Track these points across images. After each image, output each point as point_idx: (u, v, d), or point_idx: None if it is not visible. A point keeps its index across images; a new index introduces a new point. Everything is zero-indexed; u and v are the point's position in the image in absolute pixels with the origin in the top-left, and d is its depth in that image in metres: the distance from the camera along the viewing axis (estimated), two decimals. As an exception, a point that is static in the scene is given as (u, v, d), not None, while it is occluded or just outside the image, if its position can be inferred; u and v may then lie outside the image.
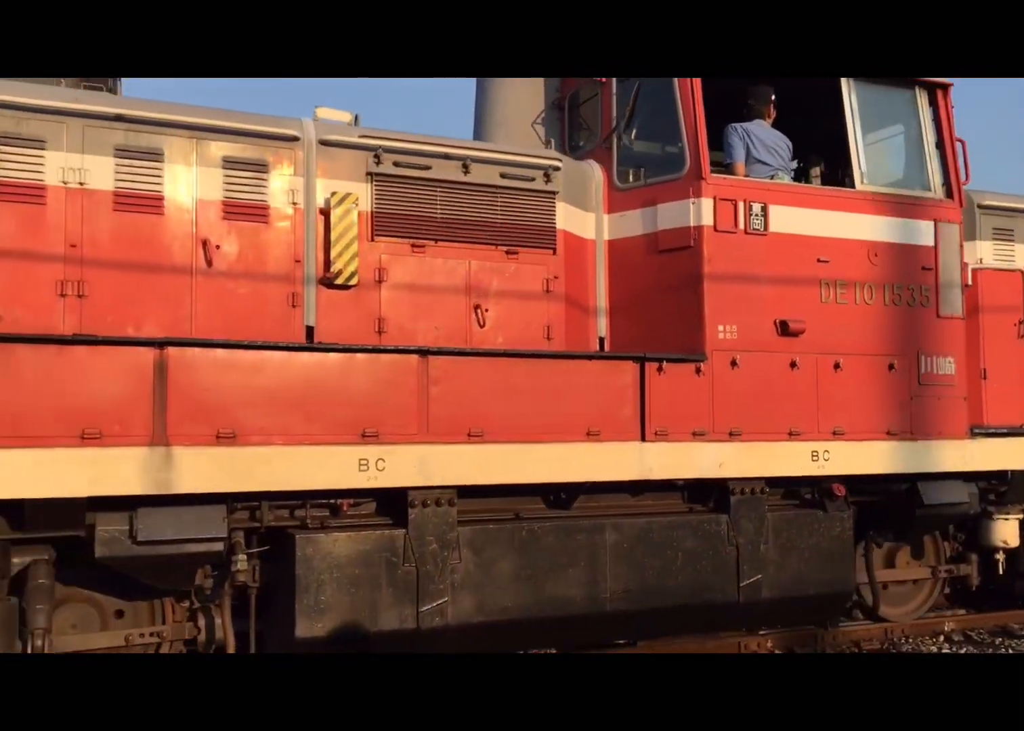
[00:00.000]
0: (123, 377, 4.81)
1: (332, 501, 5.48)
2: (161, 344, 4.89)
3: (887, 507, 7.10)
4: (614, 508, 6.25)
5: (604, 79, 6.85)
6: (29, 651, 4.81)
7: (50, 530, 4.88)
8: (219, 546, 5.06)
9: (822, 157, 7.92)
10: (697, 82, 6.36)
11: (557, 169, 6.42)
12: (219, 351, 5.02)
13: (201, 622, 5.54)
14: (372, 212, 5.89)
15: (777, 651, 7.04)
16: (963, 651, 7.29)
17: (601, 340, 6.72)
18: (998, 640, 7.56)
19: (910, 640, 7.52)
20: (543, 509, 6.11)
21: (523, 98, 7.31)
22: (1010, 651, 7.24)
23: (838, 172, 7.95)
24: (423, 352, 5.48)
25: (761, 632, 7.15)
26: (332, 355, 5.26)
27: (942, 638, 7.63)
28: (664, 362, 6.08)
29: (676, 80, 6.41)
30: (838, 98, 6.94)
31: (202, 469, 4.92)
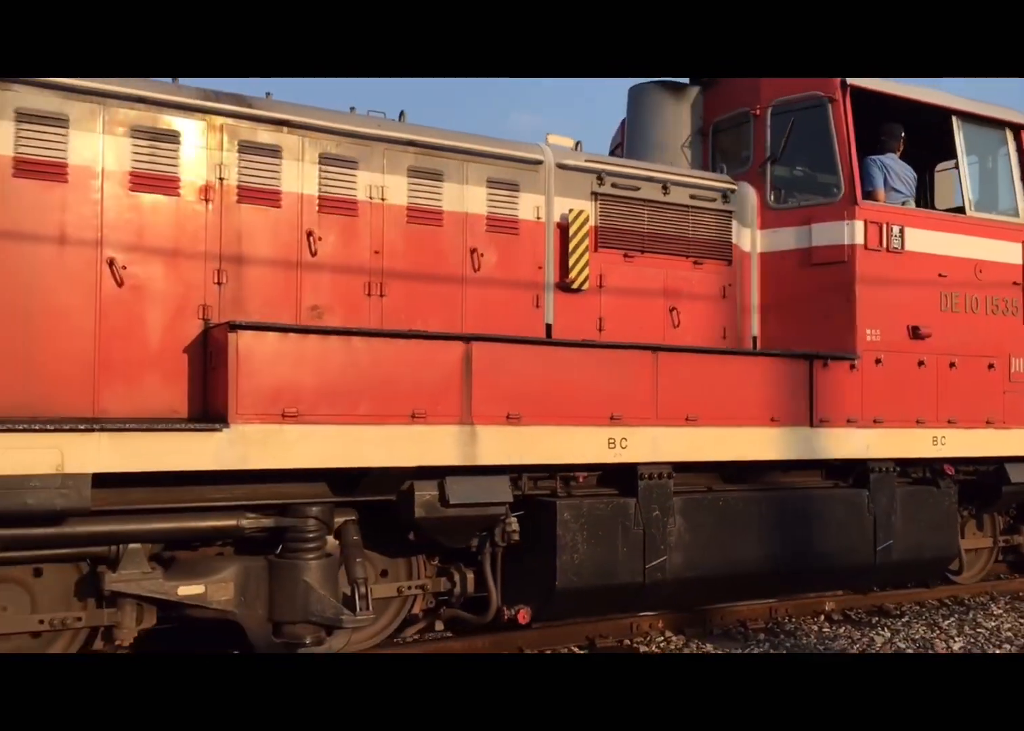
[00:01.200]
0: (440, 366, 5.71)
1: (570, 473, 6.45)
2: (467, 339, 5.81)
3: (977, 485, 8.34)
4: (773, 483, 7.34)
5: (758, 112, 7.91)
6: (356, 598, 5.68)
7: (370, 495, 5.76)
8: (503, 510, 6.00)
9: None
10: (851, 121, 7.46)
11: (733, 191, 7.47)
12: (509, 345, 5.95)
13: (455, 577, 6.45)
14: (596, 226, 6.86)
15: (668, 631, 7.15)
16: (841, 630, 7.46)
17: (754, 339, 7.80)
18: (875, 619, 7.80)
19: (792, 619, 7.67)
20: (719, 483, 7.18)
21: (673, 123, 8.31)
22: (885, 630, 7.45)
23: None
24: (655, 349, 6.48)
25: (654, 612, 7.17)
26: (592, 350, 6.24)
27: (823, 617, 7.83)
28: (828, 360, 7.19)
29: (832, 119, 7.50)
30: (949, 136, 8.13)
31: (497, 445, 5.86)
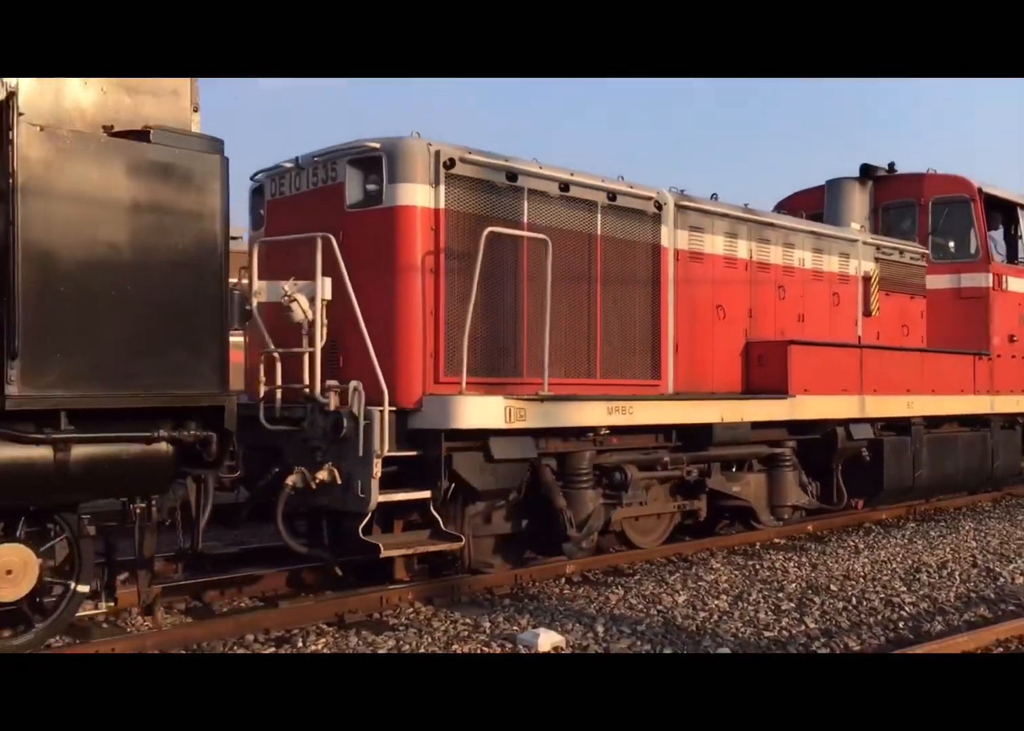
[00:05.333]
0: (850, 362, 10.34)
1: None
2: (861, 347, 10.47)
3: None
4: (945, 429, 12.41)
5: (922, 202, 12.89)
6: (808, 492, 10.22)
7: (813, 434, 10.29)
8: (865, 443, 10.69)
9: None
10: (984, 213, 12.57)
11: (927, 254, 12.45)
12: (875, 350, 10.65)
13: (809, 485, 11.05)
14: (878, 278, 11.62)
15: (417, 602, 7.23)
16: (580, 590, 7.83)
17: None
18: (610, 579, 8.26)
19: (536, 583, 7.96)
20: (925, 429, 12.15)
21: (859, 204, 13.14)
22: (619, 588, 7.87)
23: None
24: (921, 350, 11.38)
25: (402, 585, 7.49)
26: (903, 353, 11.03)
27: (564, 580, 8.16)
28: (982, 355, 12.33)
29: (974, 212, 12.58)
30: (1012, 216, 13.46)
31: (870, 406, 10.57)
